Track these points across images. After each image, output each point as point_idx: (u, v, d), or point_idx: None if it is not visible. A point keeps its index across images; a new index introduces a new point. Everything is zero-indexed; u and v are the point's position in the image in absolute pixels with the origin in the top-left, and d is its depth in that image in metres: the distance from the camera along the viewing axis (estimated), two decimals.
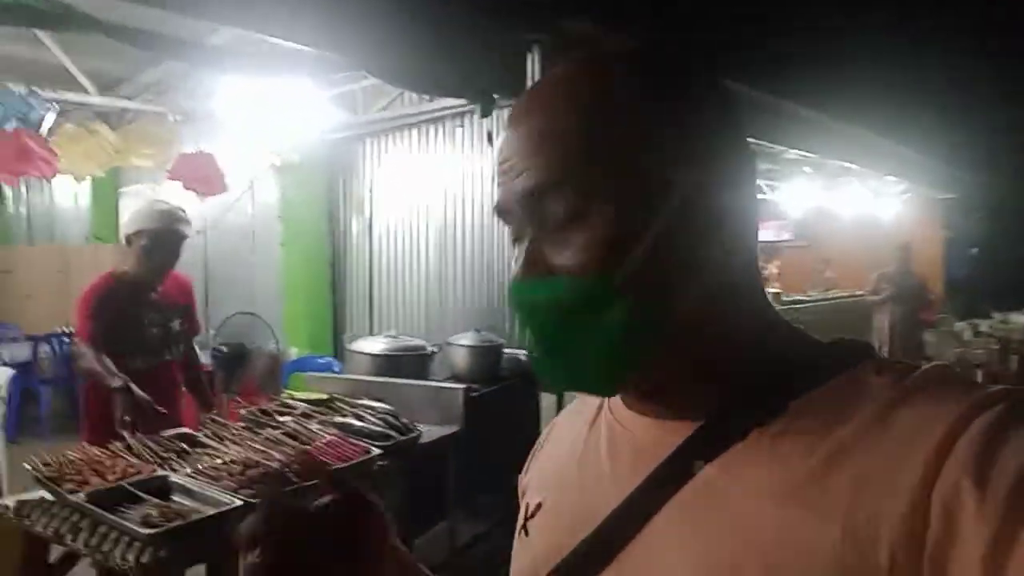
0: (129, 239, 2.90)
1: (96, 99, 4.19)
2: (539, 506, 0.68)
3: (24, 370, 5.75)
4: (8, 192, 9.24)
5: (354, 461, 2.38)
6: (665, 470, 0.55)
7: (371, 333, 4.95)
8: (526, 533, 0.68)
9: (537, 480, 0.72)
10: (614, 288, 0.52)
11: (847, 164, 7.05)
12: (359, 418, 2.73)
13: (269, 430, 2.57)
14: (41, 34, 3.77)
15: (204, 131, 4.85)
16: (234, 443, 2.45)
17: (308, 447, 2.40)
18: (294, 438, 2.48)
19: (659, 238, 0.52)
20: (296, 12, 2.94)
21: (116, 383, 2.61)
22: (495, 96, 3.66)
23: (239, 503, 1.94)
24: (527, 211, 0.55)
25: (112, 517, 1.83)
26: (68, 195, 8.52)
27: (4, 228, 9.57)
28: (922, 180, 7.16)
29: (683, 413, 0.57)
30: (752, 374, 0.55)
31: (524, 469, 0.76)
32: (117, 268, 2.95)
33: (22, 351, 6.25)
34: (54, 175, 4.06)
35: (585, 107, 0.54)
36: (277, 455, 2.27)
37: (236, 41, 3.60)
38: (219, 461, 2.23)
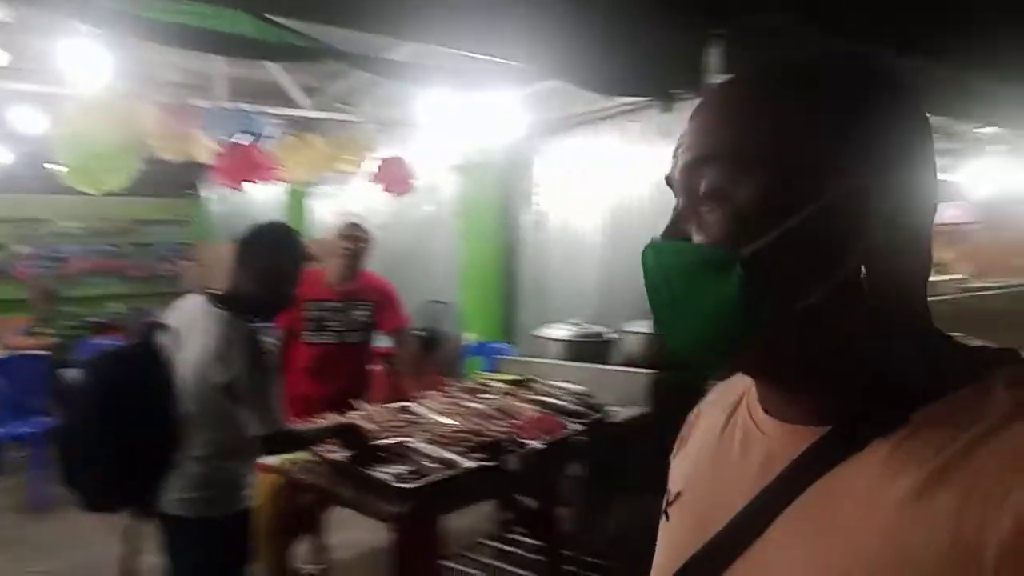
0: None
1: (311, 113, 4.73)
2: (678, 495, 0.71)
3: None
4: (210, 195, 10.37)
5: (558, 435, 2.63)
6: (788, 475, 0.58)
7: (544, 321, 5.19)
8: (667, 518, 0.72)
9: (680, 468, 0.75)
10: (734, 261, 0.55)
11: None
12: (555, 398, 2.99)
13: (478, 406, 2.87)
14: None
15: (394, 136, 5.31)
16: (445, 416, 2.77)
17: (516, 421, 2.68)
18: (503, 413, 2.77)
19: (794, 229, 0.54)
20: (492, 28, 3.22)
21: None
22: (676, 92, 3.79)
23: (472, 465, 2.25)
24: (683, 183, 0.60)
25: (376, 475, 2.18)
26: (264, 195, 9.45)
27: (206, 225, 10.69)
28: None
29: (812, 418, 0.58)
30: (880, 383, 0.56)
31: (674, 451, 0.80)
32: None
33: None
34: (275, 182, 4.64)
35: (751, 99, 0.59)
36: (493, 427, 2.57)
37: (416, 54, 3.96)
38: (449, 430, 2.55)
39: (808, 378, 0.59)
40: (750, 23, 3.74)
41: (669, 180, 0.63)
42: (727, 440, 0.68)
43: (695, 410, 0.80)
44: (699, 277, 0.57)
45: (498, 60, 3.32)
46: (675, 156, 0.61)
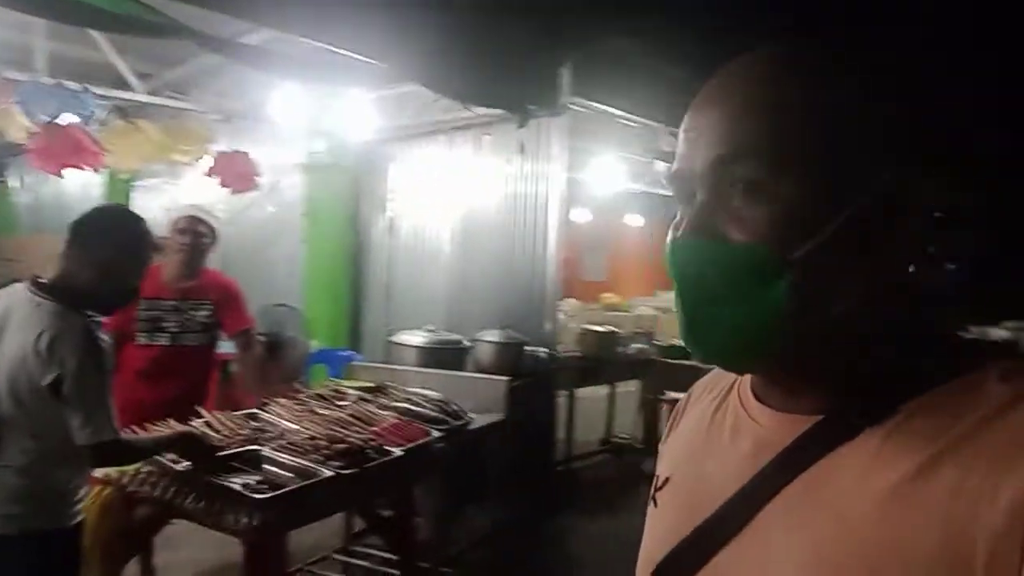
0: None
1: (145, 97, 4.36)
2: (667, 480, 0.70)
3: None
4: (18, 182, 9.28)
5: (419, 442, 2.58)
6: (779, 461, 0.57)
7: (390, 328, 5.11)
8: (655, 504, 0.71)
9: (670, 452, 0.74)
10: (784, 265, 0.52)
11: None
12: (415, 404, 2.93)
13: (333, 413, 2.76)
14: (95, 35, 3.94)
15: (237, 129, 5.02)
16: (298, 423, 2.63)
17: (376, 428, 2.59)
18: (361, 419, 2.68)
19: (843, 227, 0.52)
20: (352, 24, 3.15)
21: None
22: (531, 109, 3.90)
23: (331, 473, 2.15)
24: (708, 177, 0.56)
25: (226, 484, 2.02)
26: (77, 186, 8.56)
27: (11, 217, 9.56)
28: None
29: (805, 407, 0.58)
30: (873, 374, 0.56)
31: (664, 436, 0.79)
32: None
33: None
34: (100, 168, 4.22)
35: (791, 86, 0.55)
36: (352, 434, 2.47)
37: (273, 41, 3.78)
38: (302, 438, 2.41)
39: (813, 373, 0.58)
40: (597, 48, 3.93)
41: (679, 173, 0.59)
42: (717, 427, 0.67)
43: (685, 396, 0.78)
44: (742, 280, 0.54)
45: (357, 57, 3.25)
46: (689, 148, 0.58)
